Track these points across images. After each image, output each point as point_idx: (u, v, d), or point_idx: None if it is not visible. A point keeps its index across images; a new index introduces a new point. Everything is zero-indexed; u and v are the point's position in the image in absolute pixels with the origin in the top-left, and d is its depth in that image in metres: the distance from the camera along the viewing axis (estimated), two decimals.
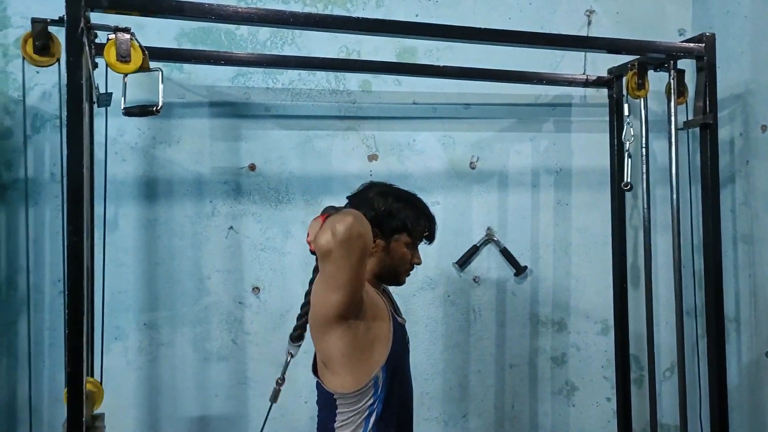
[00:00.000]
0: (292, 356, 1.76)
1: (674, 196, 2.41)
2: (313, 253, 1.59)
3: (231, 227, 2.51)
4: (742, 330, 2.75)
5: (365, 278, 1.58)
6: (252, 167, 2.52)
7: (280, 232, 2.54)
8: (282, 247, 2.54)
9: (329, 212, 1.62)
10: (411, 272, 1.82)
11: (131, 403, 2.41)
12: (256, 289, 2.52)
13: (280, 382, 1.80)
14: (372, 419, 1.60)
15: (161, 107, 1.93)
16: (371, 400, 1.60)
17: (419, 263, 1.81)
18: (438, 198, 2.66)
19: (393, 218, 1.74)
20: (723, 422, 2.33)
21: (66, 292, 1.63)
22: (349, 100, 2.61)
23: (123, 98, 2.00)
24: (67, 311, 1.62)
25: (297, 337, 1.71)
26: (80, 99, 1.65)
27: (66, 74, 1.64)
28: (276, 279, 2.53)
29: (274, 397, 1.81)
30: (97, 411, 1.90)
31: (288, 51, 2.55)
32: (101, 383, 1.93)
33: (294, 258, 2.53)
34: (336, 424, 1.61)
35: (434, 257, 2.66)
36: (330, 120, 2.60)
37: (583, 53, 2.74)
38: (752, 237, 2.67)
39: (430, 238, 1.84)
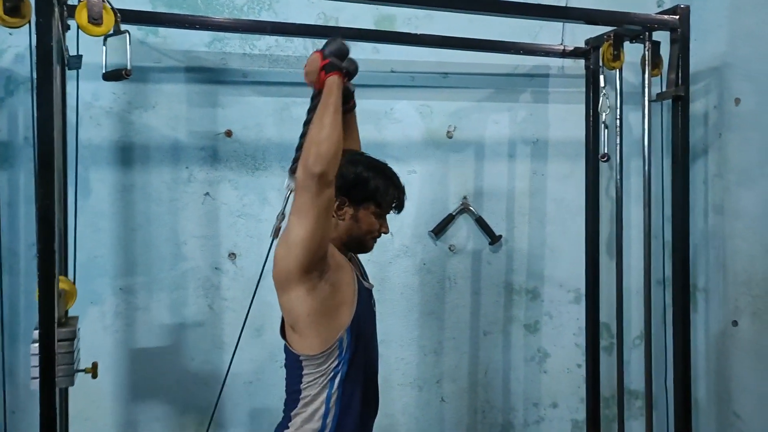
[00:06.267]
0: (291, 191, 1.69)
1: (646, 168, 2.43)
2: (309, 84, 1.71)
3: (207, 193, 2.51)
4: (710, 299, 2.81)
5: (329, 232, 1.59)
6: (228, 133, 2.52)
7: (256, 198, 2.55)
8: (258, 214, 2.55)
9: (328, 57, 1.70)
10: (388, 241, 1.83)
11: (108, 367, 2.42)
12: (232, 255, 2.54)
13: (281, 217, 1.77)
14: (337, 380, 1.63)
15: (130, 71, 1.92)
16: (336, 362, 1.63)
17: (387, 233, 1.80)
18: (415, 167, 2.67)
19: (362, 187, 1.73)
20: (686, 389, 2.39)
21: (38, 255, 1.64)
22: None
23: (104, 63, 1.99)
24: (38, 274, 1.63)
25: (295, 169, 1.63)
26: (50, 61, 1.64)
27: (36, 36, 1.63)
28: (252, 245, 2.55)
29: (275, 233, 1.78)
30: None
31: (265, 17, 2.53)
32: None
33: (270, 225, 2.47)
34: (302, 385, 1.64)
35: (410, 225, 2.68)
36: (308, 87, 2.57)
37: (561, 24, 2.73)
38: (723, 208, 2.72)
39: (399, 208, 1.84)
